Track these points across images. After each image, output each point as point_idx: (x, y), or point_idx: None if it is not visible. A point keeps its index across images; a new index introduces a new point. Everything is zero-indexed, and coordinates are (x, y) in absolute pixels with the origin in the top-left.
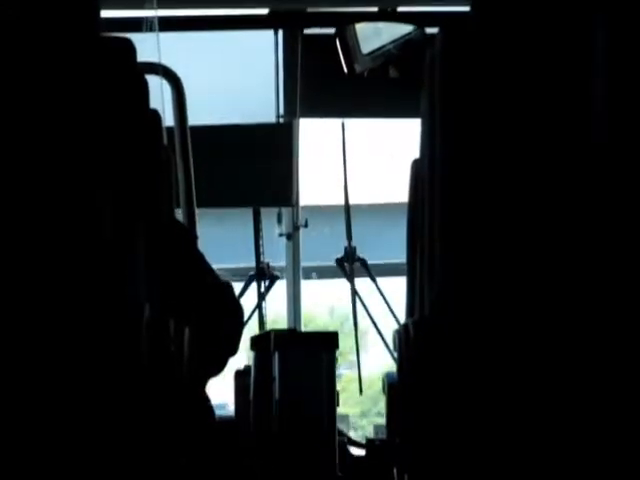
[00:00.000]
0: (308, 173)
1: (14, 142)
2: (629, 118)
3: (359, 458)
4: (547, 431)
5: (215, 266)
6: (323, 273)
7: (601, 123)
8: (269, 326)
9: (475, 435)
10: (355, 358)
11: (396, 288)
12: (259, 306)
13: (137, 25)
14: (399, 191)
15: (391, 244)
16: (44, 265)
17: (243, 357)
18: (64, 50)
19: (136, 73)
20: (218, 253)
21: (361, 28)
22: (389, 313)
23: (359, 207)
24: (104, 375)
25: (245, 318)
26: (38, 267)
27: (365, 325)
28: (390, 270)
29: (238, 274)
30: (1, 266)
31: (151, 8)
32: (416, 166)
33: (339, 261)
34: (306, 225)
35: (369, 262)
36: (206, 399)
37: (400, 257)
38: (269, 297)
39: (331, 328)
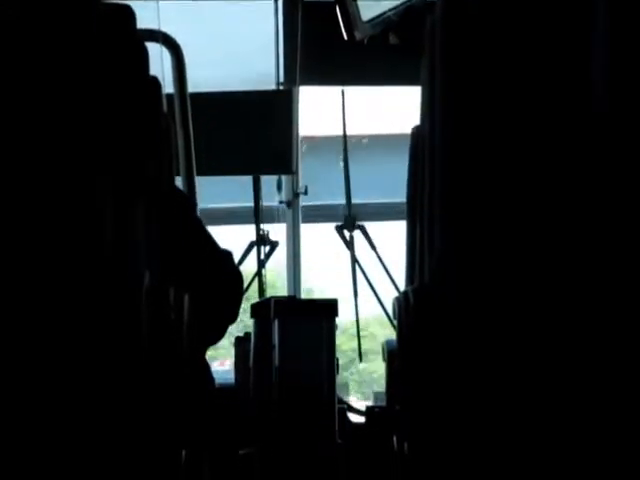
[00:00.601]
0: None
1: (12, 108)
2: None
3: (359, 425)
4: (545, 394)
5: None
6: None
7: (602, 90)
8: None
9: (474, 402)
10: None
11: (396, 256)
12: (259, 273)
13: None
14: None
15: None
16: (43, 234)
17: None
18: (63, 17)
19: (136, 40)
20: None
21: None
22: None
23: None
24: (104, 342)
25: (245, 285)
26: (36, 235)
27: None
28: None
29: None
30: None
31: None
32: (416, 133)
33: (339, 228)
34: (306, 192)
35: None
36: (206, 366)
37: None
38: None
39: None
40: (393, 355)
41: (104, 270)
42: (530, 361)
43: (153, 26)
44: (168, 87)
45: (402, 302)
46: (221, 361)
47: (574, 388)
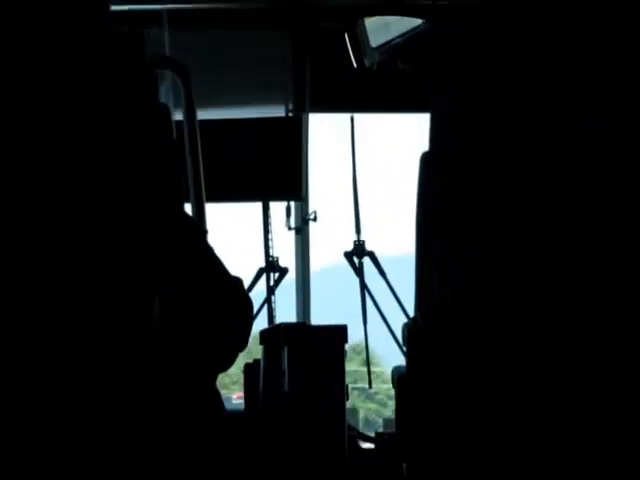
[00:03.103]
0: (318, 167)
1: (22, 136)
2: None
3: (368, 451)
4: (553, 428)
5: None
6: None
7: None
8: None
9: (483, 429)
10: None
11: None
12: (268, 300)
13: (147, 19)
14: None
15: None
16: (47, 261)
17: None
18: (73, 43)
19: (145, 67)
20: None
21: (370, 22)
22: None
23: None
24: (111, 372)
25: (254, 312)
26: (38, 262)
27: None
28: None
29: None
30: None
31: (161, 2)
32: (425, 159)
33: (348, 255)
34: (315, 219)
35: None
36: (216, 392)
37: None
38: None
39: None
40: (402, 382)
41: (113, 295)
42: (540, 388)
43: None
44: (177, 114)
45: (411, 328)
46: (238, 394)
47: (582, 418)
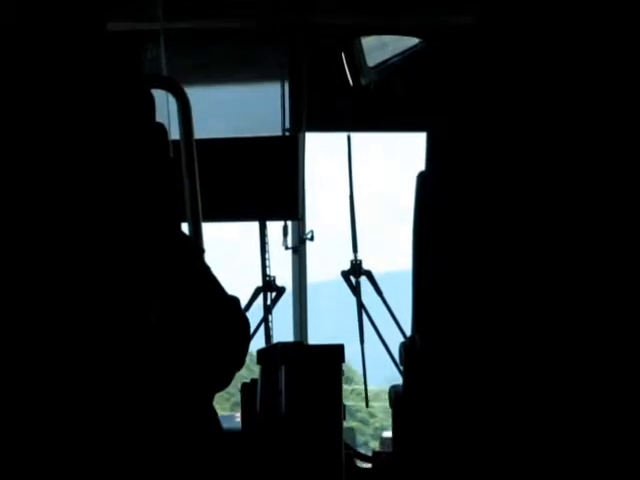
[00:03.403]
0: (314, 186)
1: (18, 155)
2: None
3: (366, 470)
4: (553, 448)
5: None
6: None
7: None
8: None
9: (482, 450)
10: None
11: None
12: (265, 319)
13: (143, 38)
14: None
15: None
16: (46, 275)
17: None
18: (70, 63)
19: (142, 86)
20: None
21: (367, 41)
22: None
23: None
24: (108, 386)
25: (251, 331)
26: (37, 276)
27: None
28: None
29: None
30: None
31: (158, 21)
32: (422, 179)
33: (345, 274)
34: (312, 238)
35: None
36: (212, 411)
37: None
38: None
39: None
40: (399, 401)
41: (108, 312)
42: (539, 409)
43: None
44: (174, 133)
45: (409, 348)
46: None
47: (583, 430)
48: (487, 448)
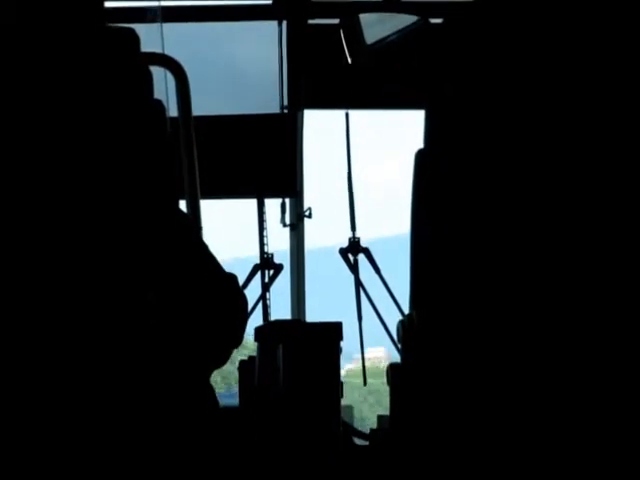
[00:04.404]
0: (312, 163)
1: (15, 132)
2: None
3: (363, 448)
4: (551, 423)
5: None
6: None
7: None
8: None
9: (480, 428)
10: None
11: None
12: (263, 296)
13: (141, 15)
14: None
15: None
16: (41, 257)
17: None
18: (67, 41)
19: (140, 63)
20: None
21: (365, 18)
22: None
23: None
24: (105, 365)
25: (249, 308)
26: (34, 258)
27: None
28: None
29: None
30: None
31: None
32: (420, 157)
33: (343, 252)
34: (310, 215)
35: None
36: (210, 388)
37: None
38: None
39: None
40: (397, 379)
41: (105, 290)
42: (534, 382)
43: (157, 49)
44: (172, 110)
45: (407, 325)
46: None
47: (576, 409)
48: (485, 425)
